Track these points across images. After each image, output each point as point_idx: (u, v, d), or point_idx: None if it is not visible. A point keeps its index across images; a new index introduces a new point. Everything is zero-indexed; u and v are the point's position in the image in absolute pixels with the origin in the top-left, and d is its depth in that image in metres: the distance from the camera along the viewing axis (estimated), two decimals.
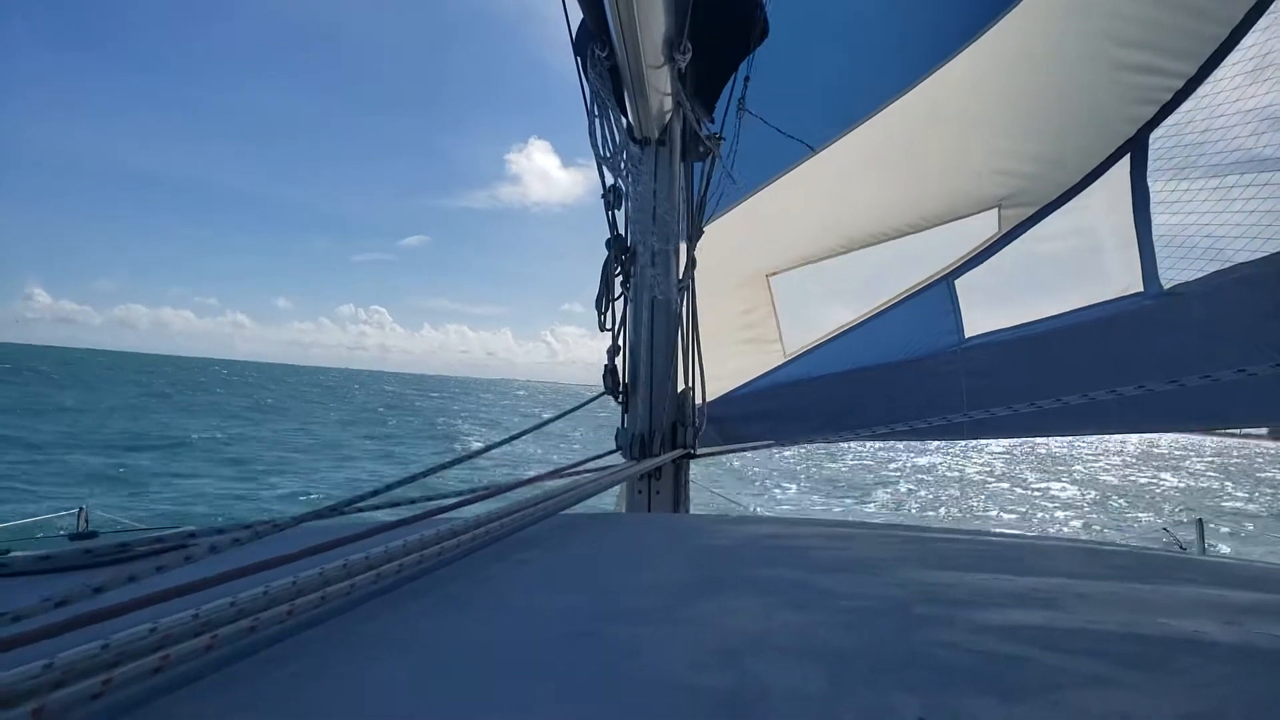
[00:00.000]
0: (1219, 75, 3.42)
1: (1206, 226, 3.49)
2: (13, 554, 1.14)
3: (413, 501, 1.74)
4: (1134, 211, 3.72)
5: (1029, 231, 4.10)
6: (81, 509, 6.55)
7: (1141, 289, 3.71)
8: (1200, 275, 3.51)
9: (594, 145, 2.70)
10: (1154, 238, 3.67)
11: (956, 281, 4.24)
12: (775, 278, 4.73)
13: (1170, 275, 3.63)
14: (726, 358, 4.60)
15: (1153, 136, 3.65)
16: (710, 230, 3.41)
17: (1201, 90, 3.48)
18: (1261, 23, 3.26)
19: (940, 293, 4.28)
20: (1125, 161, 3.75)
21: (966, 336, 4.17)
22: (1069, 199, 3.96)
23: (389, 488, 1.65)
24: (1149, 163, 3.68)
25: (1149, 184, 3.68)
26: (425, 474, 1.78)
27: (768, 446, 4.65)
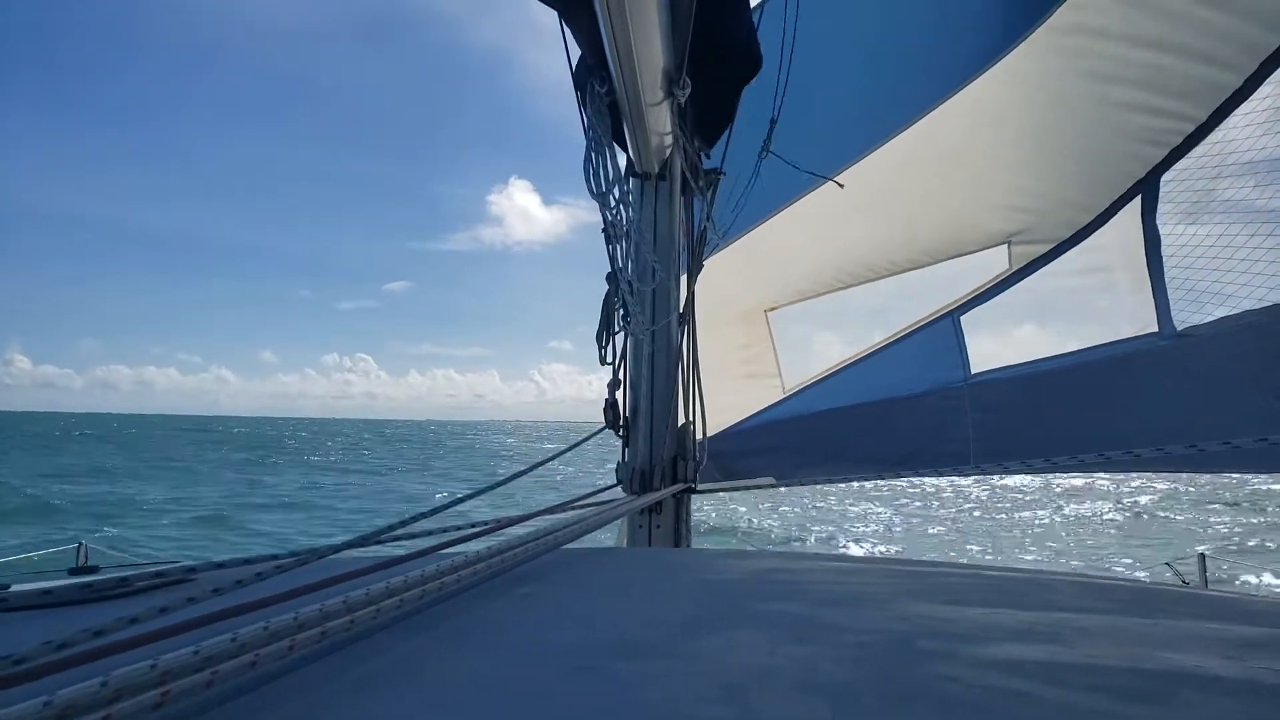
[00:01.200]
0: (1230, 123, 3.44)
1: (1215, 271, 3.50)
2: (13, 589, 1.13)
3: (413, 538, 1.74)
4: (1146, 252, 3.73)
5: (1042, 269, 4.11)
6: (81, 544, 6.51)
7: (1156, 329, 3.71)
8: (1211, 319, 3.53)
9: (593, 180, 2.72)
10: (1166, 279, 3.68)
11: (963, 317, 4.24)
12: (774, 313, 4.75)
13: (1181, 318, 3.64)
14: (725, 392, 4.60)
15: (1164, 179, 3.67)
16: (709, 265, 3.43)
17: (1213, 136, 3.50)
18: (1276, 74, 3.28)
19: (945, 328, 4.27)
20: (1137, 202, 3.77)
21: (973, 373, 4.16)
22: (1083, 238, 3.97)
23: (390, 528, 1.64)
24: (1159, 204, 3.70)
25: (1158, 225, 3.70)
26: (425, 515, 1.77)
27: (770, 485, 4.63)
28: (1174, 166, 3.63)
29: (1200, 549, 6.79)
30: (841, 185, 3.83)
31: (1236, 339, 3.42)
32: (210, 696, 0.71)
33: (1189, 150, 3.57)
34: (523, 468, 2.55)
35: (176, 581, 1.25)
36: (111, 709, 0.60)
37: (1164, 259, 3.68)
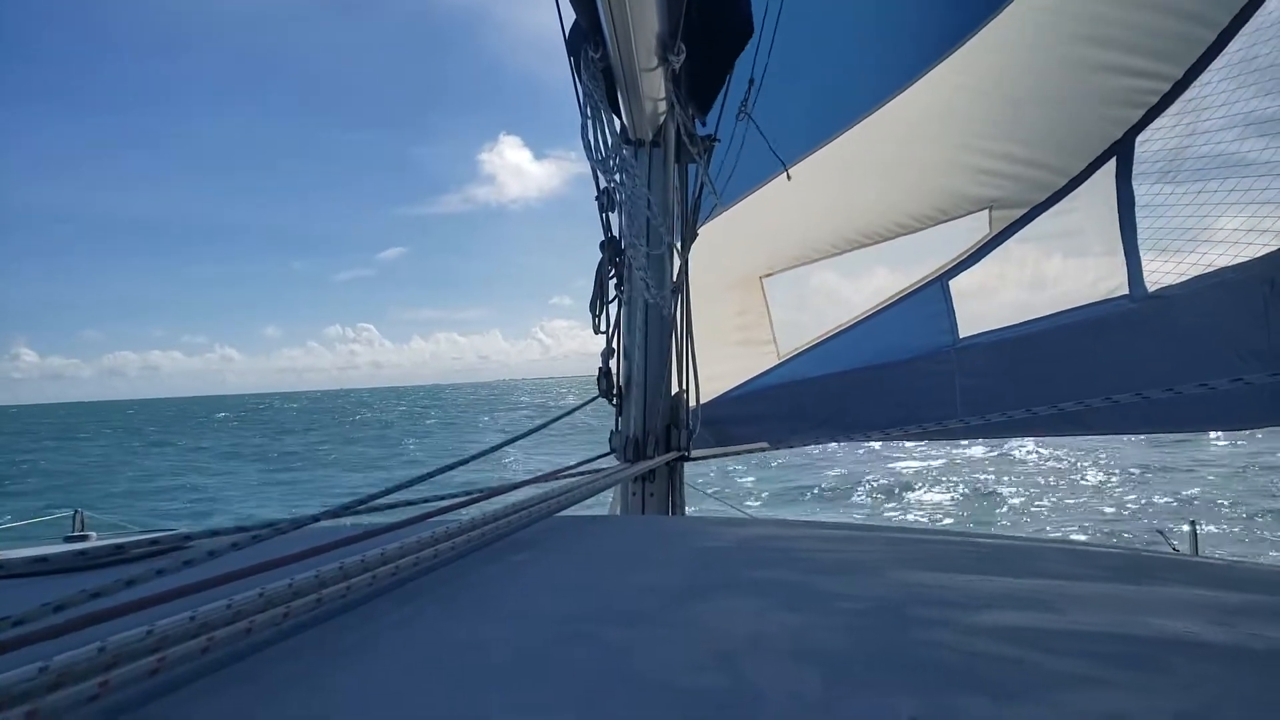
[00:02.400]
0: (1205, 79, 3.43)
1: (1190, 230, 3.50)
2: (7, 555, 1.14)
3: (408, 504, 1.74)
4: (1119, 214, 3.74)
5: (1019, 233, 4.12)
6: (77, 511, 6.52)
7: (1127, 291, 3.73)
8: (1184, 279, 3.53)
9: (587, 147, 2.70)
10: (1139, 241, 3.69)
11: (950, 282, 4.25)
12: (769, 279, 4.74)
13: (1154, 279, 3.64)
14: (720, 360, 4.60)
15: (1138, 140, 3.67)
16: (703, 232, 3.41)
17: (1187, 94, 3.49)
18: (1248, 26, 3.27)
19: (934, 293, 4.29)
20: (1111, 165, 3.77)
21: (961, 337, 4.18)
22: (1056, 201, 3.98)
23: (385, 492, 1.65)
24: (1134, 166, 3.70)
25: (1134, 187, 3.70)
26: (421, 479, 1.78)
27: (762, 449, 4.63)
28: (1148, 126, 3.63)
29: (1192, 518, 6.85)
30: (789, 178, 3.81)
31: (1208, 297, 3.42)
32: (206, 662, 0.72)
33: (1164, 109, 3.57)
34: (516, 433, 2.56)
35: (172, 548, 1.25)
36: (109, 674, 0.60)
37: (1137, 221, 3.69)
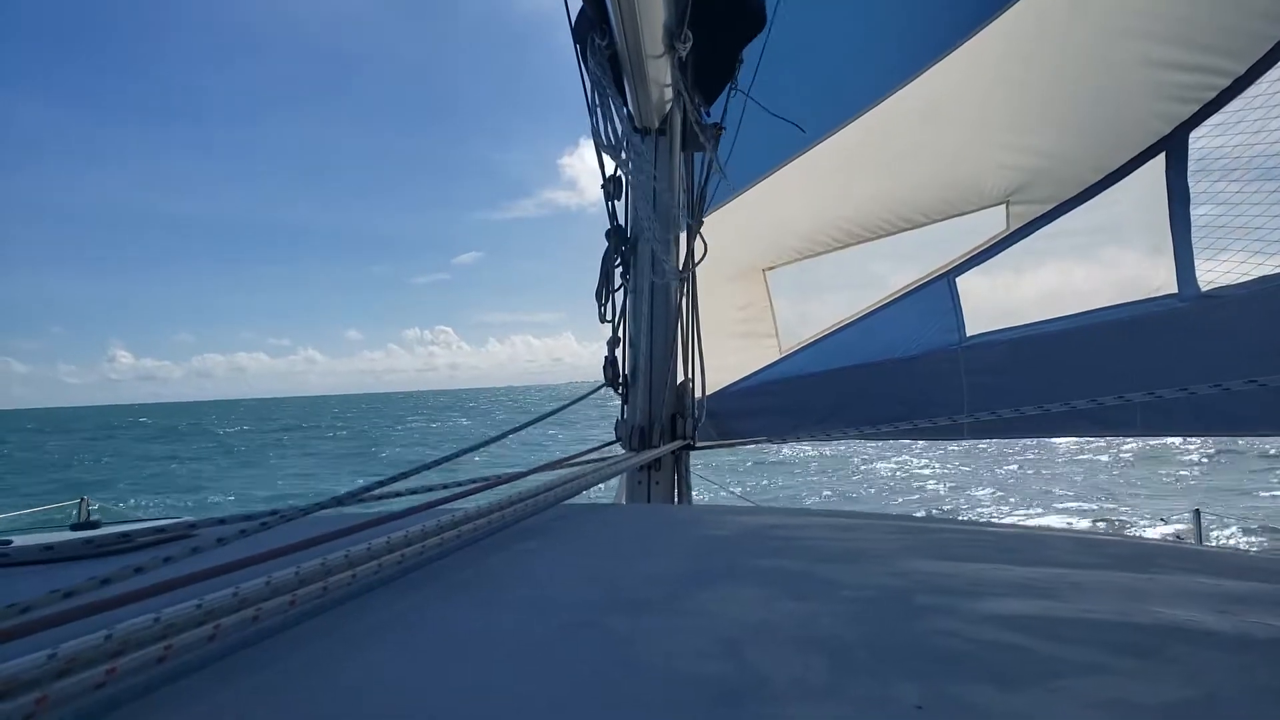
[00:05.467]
0: (1273, 75, 3.28)
1: (1253, 230, 3.34)
2: (15, 544, 1.14)
3: (414, 493, 1.74)
4: (1170, 211, 3.59)
5: (1041, 229, 4.00)
6: (83, 499, 6.56)
7: (1176, 290, 3.58)
8: (1243, 280, 3.37)
9: (595, 134, 2.69)
10: (1193, 239, 3.53)
11: (958, 279, 4.20)
12: (772, 272, 4.71)
13: (1209, 279, 3.49)
14: (722, 352, 4.56)
15: (1193, 135, 3.52)
16: (707, 223, 3.40)
17: (1252, 90, 3.34)
18: None
19: (940, 290, 4.23)
20: (1159, 160, 3.63)
21: (968, 335, 4.12)
22: (1090, 196, 3.84)
23: (391, 480, 1.65)
24: (1190, 162, 3.54)
25: (1189, 184, 3.54)
26: (428, 466, 1.78)
27: (763, 442, 4.59)
28: (1205, 122, 3.48)
29: (1196, 506, 6.85)
30: (804, 130, 3.72)
31: (1270, 299, 3.28)
32: (213, 650, 0.72)
33: (1224, 105, 3.43)
34: (524, 420, 2.56)
35: (178, 537, 1.26)
36: (116, 662, 0.60)
37: (1191, 218, 3.54)
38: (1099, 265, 3.98)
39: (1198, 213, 3.54)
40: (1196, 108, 3.50)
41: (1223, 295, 3.44)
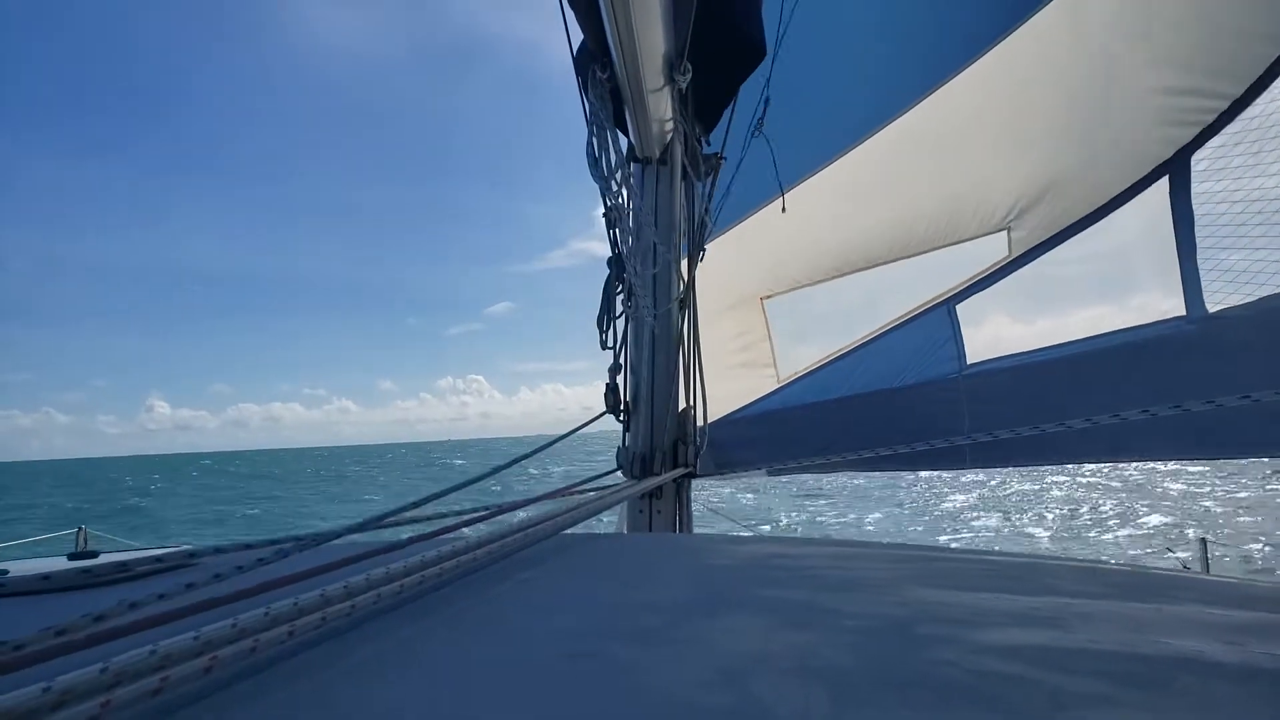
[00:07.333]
0: (1271, 94, 3.29)
1: (1256, 251, 3.33)
2: (11, 573, 1.14)
3: (414, 523, 1.74)
4: (1176, 233, 3.58)
5: (1044, 255, 3.99)
6: (81, 529, 6.53)
7: (1184, 313, 3.55)
8: (1250, 299, 3.35)
9: (592, 165, 2.71)
10: (1199, 260, 3.51)
11: (958, 306, 4.18)
12: (770, 301, 4.71)
13: (1216, 299, 3.46)
14: (719, 381, 4.53)
15: (1195, 158, 3.53)
16: (706, 251, 3.41)
17: (1249, 112, 3.36)
18: None
19: (941, 317, 4.21)
20: (1163, 183, 3.63)
21: (969, 363, 4.08)
22: (1093, 221, 3.84)
23: (392, 512, 1.64)
24: (1193, 184, 3.55)
25: (1193, 206, 3.54)
26: (429, 499, 1.77)
27: (760, 473, 4.55)
28: (1207, 144, 3.49)
29: (1202, 535, 6.80)
30: (784, 209, 3.74)
31: (1275, 319, 3.25)
32: (210, 682, 0.71)
33: (1223, 127, 3.44)
34: (525, 452, 2.55)
35: (176, 566, 1.25)
36: (111, 694, 0.60)
37: (1197, 240, 3.52)
38: (1104, 290, 3.97)
39: (1202, 233, 3.53)
40: (1197, 130, 3.51)
41: (1229, 315, 3.42)
